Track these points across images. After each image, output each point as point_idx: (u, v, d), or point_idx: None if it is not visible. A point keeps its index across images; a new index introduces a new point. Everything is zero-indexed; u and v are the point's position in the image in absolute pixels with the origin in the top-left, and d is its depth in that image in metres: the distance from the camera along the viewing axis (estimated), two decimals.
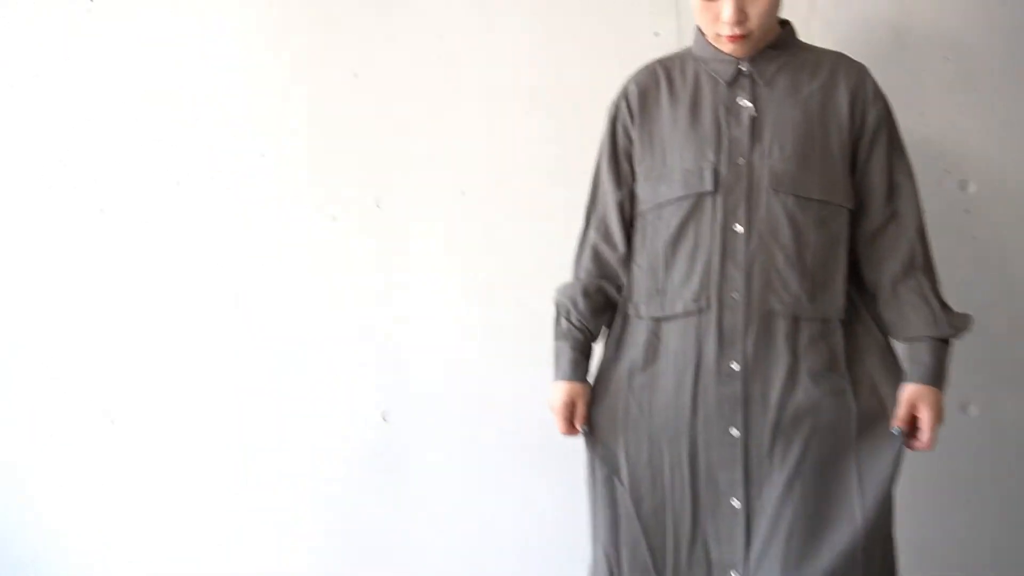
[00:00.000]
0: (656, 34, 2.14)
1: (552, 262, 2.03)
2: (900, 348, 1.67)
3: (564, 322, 1.75)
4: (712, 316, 1.60)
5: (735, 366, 1.58)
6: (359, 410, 2.24)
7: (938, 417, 1.59)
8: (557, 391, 1.74)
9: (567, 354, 1.73)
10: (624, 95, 1.75)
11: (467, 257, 2.20)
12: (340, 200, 2.23)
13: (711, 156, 1.62)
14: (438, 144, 2.21)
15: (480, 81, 2.20)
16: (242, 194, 2.26)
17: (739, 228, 1.59)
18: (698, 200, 1.62)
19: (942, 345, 1.61)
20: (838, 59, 1.70)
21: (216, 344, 2.26)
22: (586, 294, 1.74)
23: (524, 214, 2.19)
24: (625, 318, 1.73)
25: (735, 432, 1.59)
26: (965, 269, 2.02)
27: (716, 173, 1.61)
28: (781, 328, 1.58)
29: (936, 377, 1.60)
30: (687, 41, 1.95)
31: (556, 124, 2.17)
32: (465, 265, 2.21)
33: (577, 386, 1.73)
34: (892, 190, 1.67)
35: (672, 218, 1.64)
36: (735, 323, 1.58)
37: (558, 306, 1.76)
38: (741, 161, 1.61)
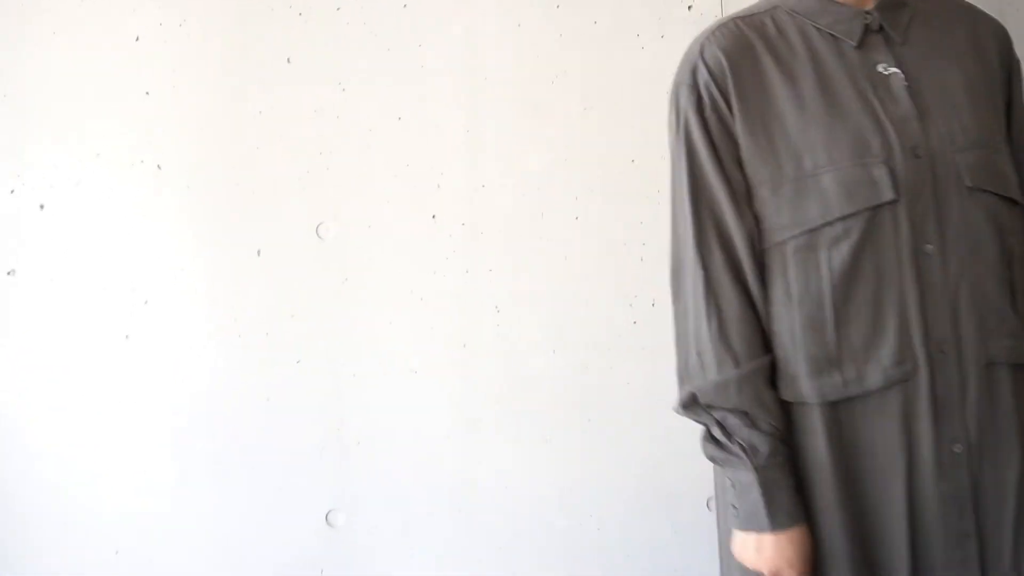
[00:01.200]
0: (690, 7, 1.77)
1: (555, 308, 1.78)
2: None
3: (760, 438, 1.20)
4: (922, 382, 1.17)
5: (958, 448, 1.17)
6: (296, 510, 1.77)
7: None
8: (785, 547, 1.19)
9: (782, 483, 1.19)
10: (705, 69, 1.24)
11: (439, 304, 1.78)
12: (268, 228, 1.76)
13: (877, 150, 1.18)
14: (402, 153, 1.78)
15: (462, 67, 1.78)
16: (132, 220, 1.75)
17: (930, 248, 1.18)
18: (873, 216, 1.18)
19: None
20: (963, 2, 1.34)
21: (113, 417, 1.75)
22: (769, 384, 1.22)
23: (520, 245, 1.79)
24: (784, 405, 1.24)
25: (969, 543, 1.18)
26: None
27: (893, 173, 1.17)
28: (1006, 382, 1.19)
29: None
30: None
31: (561, 125, 1.79)
32: (436, 314, 1.78)
33: (807, 530, 1.21)
34: None
35: (836, 247, 1.19)
36: (949, 386, 1.18)
37: (732, 417, 1.21)
38: (921, 152, 1.19)
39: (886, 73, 1.22)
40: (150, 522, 1.74)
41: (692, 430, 1.78)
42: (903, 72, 1.21)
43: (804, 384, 1.20)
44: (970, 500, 1.17)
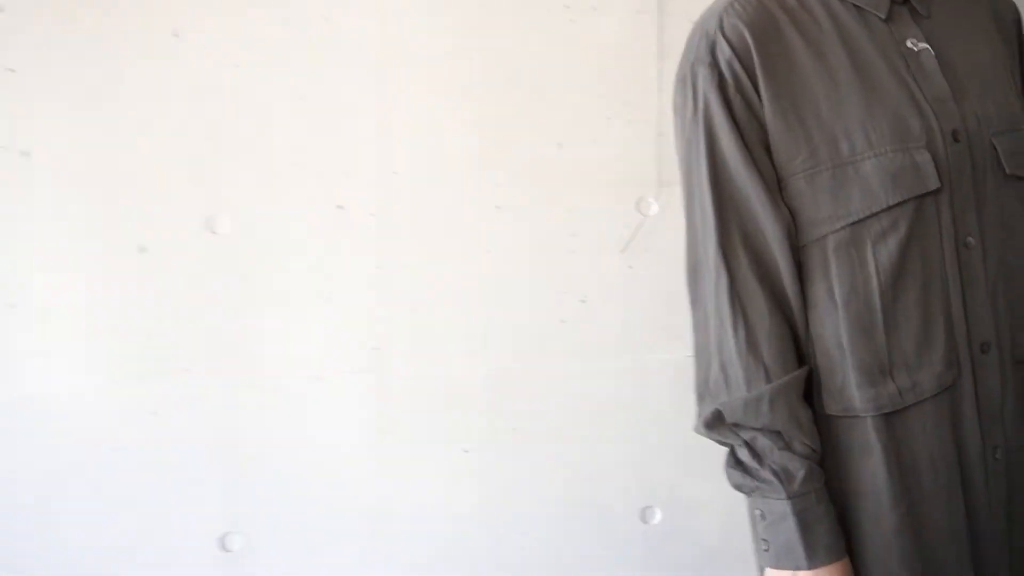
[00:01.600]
0: None
1: (475, 307, 1.70)
2: None
3: (794, 460, 1.07)
4: (966, 385, 1.11)
5: (999, 455, 1.12)
6: (187, 533, 1.65)
7: None
8: None
9: (820, 512, 1.07)
10: (727, 44, 1.12)
11: (347, 304, 1.67)
12: (152, 222, 1.63)
13: (918, 133, 1.10)
14: (305, 137, 1.66)
15: (372, 40, 1.67)
16: None
17: (972, 240, 1.12)
18: (919, 207, 1.10)
19: None
20: None
21: None
22: (803, 401, 1.11)
23: (437, 238, 1.70)
24: (825, 420, 1.13)
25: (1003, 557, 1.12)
26: None
27: (936, 159, 1.09)
28: None
29: None
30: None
31: (481, 105, 1.70)
32: (344, 315, 1.67)
33: (849, 565, 1.09)
34: None
35: (882, 242, 1.09)
36: (990, 388, 1.12)
37: (762, 438, 1.09)
38: (960, 136, 1.11)
39: (916, 49, 1.13)
40: (17, 550, 1.60)
41: (623, 438, 1.71)
42: (932, 48, 1.13)
43: (855, 395, 1.09)
44: (1005, 510, 1.09)
